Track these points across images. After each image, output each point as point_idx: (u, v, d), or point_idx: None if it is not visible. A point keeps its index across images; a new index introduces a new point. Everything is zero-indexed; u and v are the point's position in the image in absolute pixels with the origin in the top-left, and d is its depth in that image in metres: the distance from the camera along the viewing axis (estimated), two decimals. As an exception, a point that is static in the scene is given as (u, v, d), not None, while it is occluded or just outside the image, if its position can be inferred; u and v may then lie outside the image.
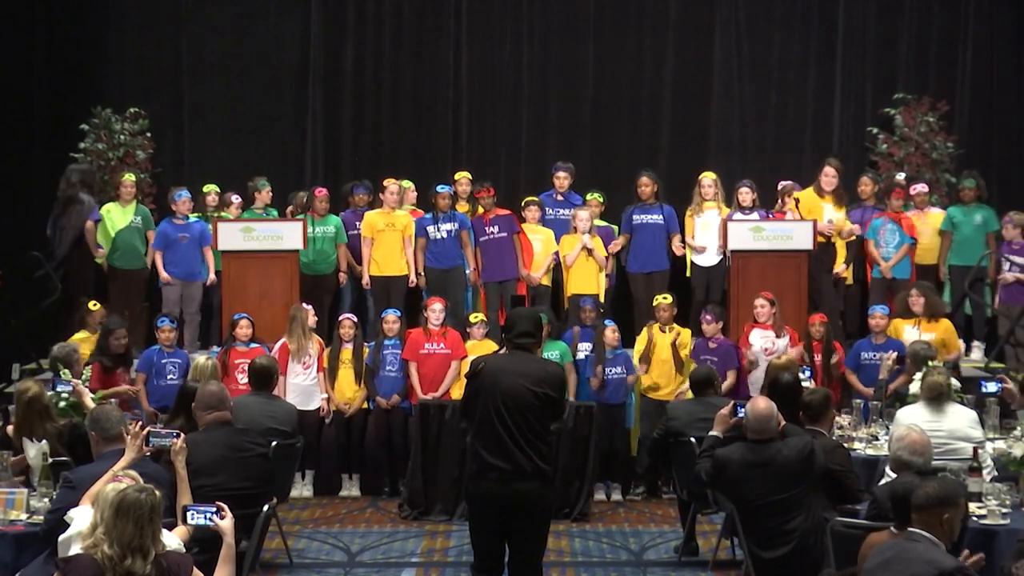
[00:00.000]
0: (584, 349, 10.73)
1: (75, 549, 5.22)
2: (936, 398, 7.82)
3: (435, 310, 10.60)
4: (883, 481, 6.94)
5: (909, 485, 5.66)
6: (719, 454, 7.11)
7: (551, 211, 12.17)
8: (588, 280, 11.54)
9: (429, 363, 10.56)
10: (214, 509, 5.39)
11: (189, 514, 5.41)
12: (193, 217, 11.88)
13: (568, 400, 9.93)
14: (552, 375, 6.51)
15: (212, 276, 11.63)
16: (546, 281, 11.83)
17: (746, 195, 11.82)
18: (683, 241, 11.96)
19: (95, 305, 10.95)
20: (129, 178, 12.12)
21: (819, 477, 7.04)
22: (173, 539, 5.36)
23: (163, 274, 11.61)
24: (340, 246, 11.92)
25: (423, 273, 11.63)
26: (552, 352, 10.26)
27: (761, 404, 7.12)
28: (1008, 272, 11.57)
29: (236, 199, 12.24)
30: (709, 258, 11.93)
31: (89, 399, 8.38)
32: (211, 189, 12.22)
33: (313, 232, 11.65)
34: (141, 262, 11.96)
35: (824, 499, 7.10)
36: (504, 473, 6.33)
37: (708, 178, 12.06)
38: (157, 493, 5.06)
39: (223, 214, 12.05)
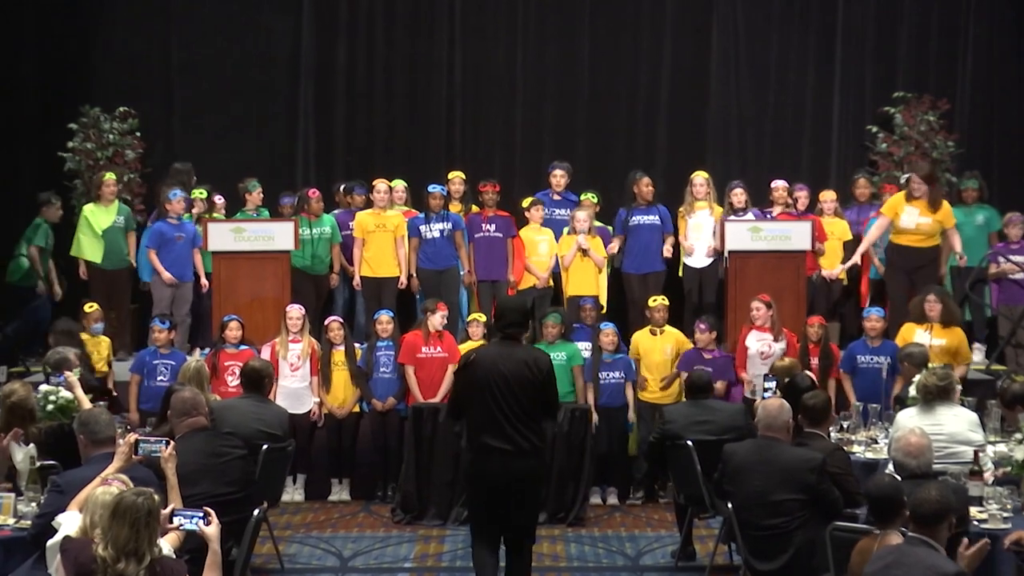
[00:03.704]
0: (584, 349, 10.63)
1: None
2: (927, 399, 7.74)
3: (442, 316, 10.51)
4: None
5: (887, 487, 5.78)
6: (728, 446, 7.38)
7: (547, 210, 12.07)
8: (587, 281, 11.44)
9: (427, 367, 10.45)
10: (201, 514, 5.41)
11: (176, 518, 5.41)
12: (185, 218, 11.75)
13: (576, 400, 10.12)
14: (539, 358, 7.06)
15: (205, 281, 11.50)
16: (551, 282, 11.72)
17: (739, 196, 11.74)
18: (676, 243, 11.93)
19: (91, 307, 10.83)
20: (110, 177, 12.00)
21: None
22: (164, 545, 5.31)
23: (165, 275, 11.47)
24: (335, 246, 11.82)
25: (415, 275, 11.53)
26: (560, 353, 10.13)
27: (774, 401, 7.49)
28: (1007, 265, 11.52)
29: (220, 200, 12.13)
30: (701, 259, 11.86)
31: (81, 392, 8.35)
32: (199, 195, 12.03)
33: (310, 233, 11.54)
34: (125, 262, 11.87)
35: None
36: (499, 452, 6.88)
37: (700, 177, 12.00)
38: (156, 497, 5.06)
39: (211, 215, 11.95)
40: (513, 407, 6.89)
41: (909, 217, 11.25)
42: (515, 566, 7.12)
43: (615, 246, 11.85)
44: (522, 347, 7.20)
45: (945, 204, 11.37)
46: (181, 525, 5.42)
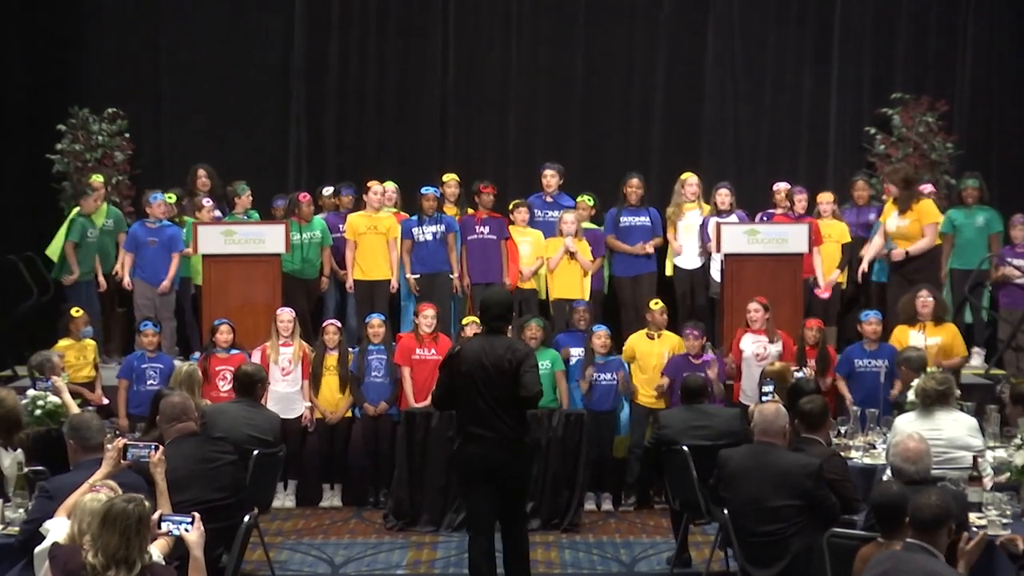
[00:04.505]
0: (576, 354, 10.49)
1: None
2: (926, 404, 7.66)
3: (428, 316, 10.40)
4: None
5: (894, 495, 5.72)
6: (723, 452, 7.35)
7: (539, 213, 12.01)
8: (572, 284, 11.35)
9: (420, 369, 10.35)
10: (189, 519, 5.37)
11: (164, 524, 5.37)
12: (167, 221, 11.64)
13: (559, 407, 10.00)
14: (516, 347, 7.35)
15: (166, 284, 11.40)
16: (533, 284, 11.61)
17: (724, 197, 11.65)
18: (665, 242, 11.88)
19: (77, 312, 10.73)
20: (97, 179, 11.89)
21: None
22: (154, 552, 5.26)
23: (125, 279, 11.42)
24: (325, 249, 11.70)
25: (409, 277, 11.42)
26: (543, 361, 10.00)
27: (771, 406, 7.39)
28: (1008, 269, 11.42)
29: (208, 202, 12.00)
30: (691, 261, 11.78)
31: (68, 397, 8.35)
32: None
33: (300, 238, 11.42)
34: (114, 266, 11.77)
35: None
36: (482, 441, 7.18)
37: (692, 178, 11.94)
38: (146, 504, 5.02)
39: (196, 217, 11.83)
40: (496, 397, 7.15)
41: (892, 221, 11.22)
42: (511, 552, 7.36)
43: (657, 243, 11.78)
44: (504, 339, 7.45)
45: (924, 205, 11.19)
46: (170, 531, 5.38)
